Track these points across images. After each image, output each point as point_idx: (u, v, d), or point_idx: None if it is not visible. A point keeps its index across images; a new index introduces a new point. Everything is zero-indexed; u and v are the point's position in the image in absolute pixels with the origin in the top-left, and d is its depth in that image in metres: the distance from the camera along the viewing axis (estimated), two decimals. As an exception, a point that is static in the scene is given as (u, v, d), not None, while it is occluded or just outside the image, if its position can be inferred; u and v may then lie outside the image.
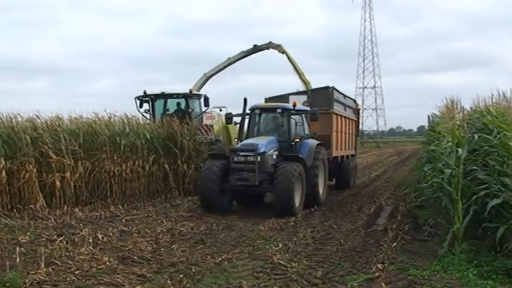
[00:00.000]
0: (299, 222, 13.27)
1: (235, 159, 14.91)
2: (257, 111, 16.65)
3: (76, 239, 10.59)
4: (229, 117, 17.52)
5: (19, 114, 15.67)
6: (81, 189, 15.76)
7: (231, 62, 28.35)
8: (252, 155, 14.63)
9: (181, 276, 8.12)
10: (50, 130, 15.77)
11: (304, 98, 19.22)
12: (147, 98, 20.85)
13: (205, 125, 20.87)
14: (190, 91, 21.14)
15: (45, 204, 14.59)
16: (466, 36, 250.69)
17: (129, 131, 17.33)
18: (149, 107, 20.91)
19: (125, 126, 17.40)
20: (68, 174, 15.35)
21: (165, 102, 21.32)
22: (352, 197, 18.57)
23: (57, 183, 15.04)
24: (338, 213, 14.81)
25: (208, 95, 20.88)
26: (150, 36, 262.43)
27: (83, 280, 7.94)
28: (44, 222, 12.82)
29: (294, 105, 16.00)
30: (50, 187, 15.09)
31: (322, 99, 19.14)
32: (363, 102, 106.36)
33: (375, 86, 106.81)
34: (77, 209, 14.53)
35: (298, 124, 16.44)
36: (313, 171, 15.80)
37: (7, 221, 12.65)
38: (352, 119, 22.85)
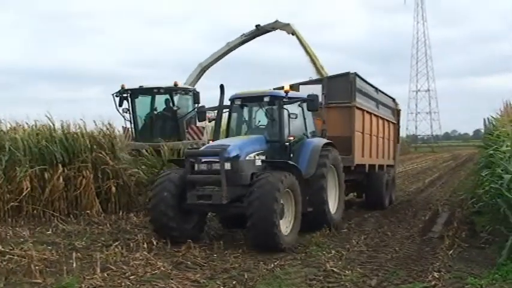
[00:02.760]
0: (352, 228, 13.10)
1: (196, 168, 11.07)
2: (238, 102, 12.65)
3: (131, 244, 10.75)
4: (201, 112, 13.57)
5: (81, 119, 16.14)
6: (136, 195, 16.01)
7: (230, 48, 24.22)
8: (217, 161, 10.76)
9: (234, 282, 8.12)
10: (106, 136, 16.18)
11: (319, 87, 15.04)
12: (125, 95, 17.10)
13: (196, 127, 17.27)
14: (175, 84, 17.09)
15: (101, 210, 14.93)
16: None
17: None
18: (128, 105, 17.22)
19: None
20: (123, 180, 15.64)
21: (153, 100, 17.51)
22: (406, 203, 18.26)
23: (113, 189, 15.33)
24: (392, 220, 14.55)
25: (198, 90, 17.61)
26: (198, 42, 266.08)
27: (138, 285, 8.03)
28: (100, 227, 13.08)
29: (286, 92, 11.96)
30: (106, 193, 15.41)
31: (341, 88, 15.05)
32: (416, 105, 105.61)
33: (428, 89, 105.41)
34: (131, 214, 14.77)
35: (293, 117, 12.09)
36: (317, 182, 12.10)
37: (64, 227, 12.98)
38: (388, 121, 18.50)
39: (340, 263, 9.44)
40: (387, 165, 18.18)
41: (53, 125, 15.52)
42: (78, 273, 8.47)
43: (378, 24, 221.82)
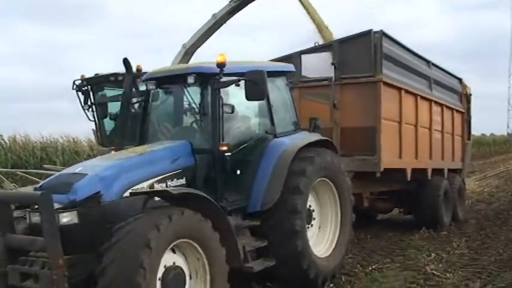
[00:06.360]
0: (452, 231, 12.68)
1: (29, 220, 5.77)
2: (152, 86, 7.36)
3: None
4: (101, 103, 9.27)
5: None
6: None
7: (217, 20, 18.52)
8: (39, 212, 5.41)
9: (331, 285, 8.07)
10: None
11: (328, 56, 10.64)
12: (86, 88, 12.69)
13: None
14: (139, 69, 10.74)
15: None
16: None
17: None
18: (90, 101, 12.69)
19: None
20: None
21: (127, 92, 11.98)
22: (509, 204, 17.49)
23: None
24: (494, 222, 13.96)
25: None
26: (275, 50, 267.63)
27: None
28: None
29: (221, 65, 6.67)
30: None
31: (359, 55, 10.30)
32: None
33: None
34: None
35: (227, 111, 6.86)
36: (287, 201, 7.17)
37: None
38: (451, 108, 13.75)
39: (440, 265, 9.19)
40: (449, 170, 13.68)
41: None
42: None
43: (463, 23, 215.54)
